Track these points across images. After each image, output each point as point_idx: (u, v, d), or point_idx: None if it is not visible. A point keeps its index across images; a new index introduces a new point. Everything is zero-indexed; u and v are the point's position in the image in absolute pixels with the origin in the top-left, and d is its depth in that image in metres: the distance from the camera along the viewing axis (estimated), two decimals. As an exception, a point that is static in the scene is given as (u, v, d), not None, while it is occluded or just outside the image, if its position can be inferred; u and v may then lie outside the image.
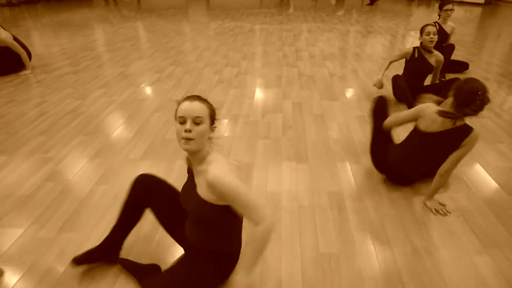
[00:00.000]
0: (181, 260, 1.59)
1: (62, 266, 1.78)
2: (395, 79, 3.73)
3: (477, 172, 2.56)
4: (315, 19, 8.91)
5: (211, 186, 1.32)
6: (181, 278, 1.50)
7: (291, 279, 1.70)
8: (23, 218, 2.11)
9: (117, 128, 3.23)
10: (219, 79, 4.49)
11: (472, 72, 4.76)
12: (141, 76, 4.62)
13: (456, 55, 5.46)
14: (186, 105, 1.37)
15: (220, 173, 1.32)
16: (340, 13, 9.77)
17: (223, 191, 1.31)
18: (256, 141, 3.00)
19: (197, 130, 1.35)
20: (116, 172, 2.56)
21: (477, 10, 10.45)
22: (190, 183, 1.51)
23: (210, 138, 1.45)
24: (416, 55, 3.61)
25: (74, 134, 3.12)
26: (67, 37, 6.88)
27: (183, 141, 1.36)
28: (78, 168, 2.61)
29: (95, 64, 5.12)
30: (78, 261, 1.67)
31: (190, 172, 1.54)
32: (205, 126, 1.37)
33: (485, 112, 3.55)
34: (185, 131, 1.34)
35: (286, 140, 3.00)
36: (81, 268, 1.76)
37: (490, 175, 2.52)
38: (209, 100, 1.65)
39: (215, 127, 1.45)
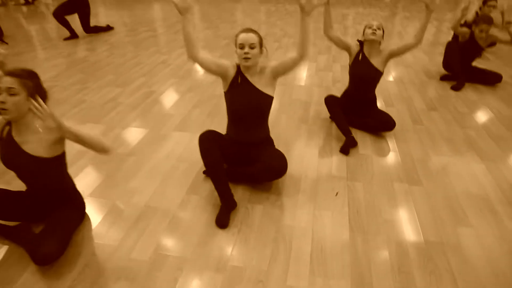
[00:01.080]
0: None
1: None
2: (450, 47, 4.10)
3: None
4: (363, 3, 9.68)
5: (275, 69, 2.14)
6: None
7: None
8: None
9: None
10: (278, 46, 5.54)
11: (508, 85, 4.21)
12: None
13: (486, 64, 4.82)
14: (244, 35, 2.05)
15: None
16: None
17: (280, 69, 2.15)
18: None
19: (252, 52, 2.06)
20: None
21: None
22: (247, 85, 2.17)
23: (260, 56, 2.14)
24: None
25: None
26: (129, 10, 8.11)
27: (243, 60, 2.07)
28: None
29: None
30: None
31: (245, 80, 2.18)
32: (257, 49, 2.08)
33: None
34: (245, 53, 2.05)
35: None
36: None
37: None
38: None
39: (263, 49, 2.16)
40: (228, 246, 1.87)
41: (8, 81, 1.60)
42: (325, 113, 3.32)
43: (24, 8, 8.76)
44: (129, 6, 8.84)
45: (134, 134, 2.94)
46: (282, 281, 1.68)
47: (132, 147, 2.77)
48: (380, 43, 2.82)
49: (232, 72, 2.18)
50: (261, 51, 2.14)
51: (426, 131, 3.09)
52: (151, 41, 5.68)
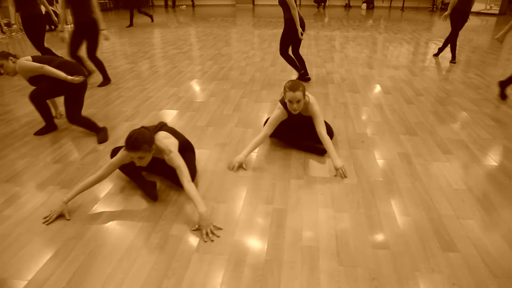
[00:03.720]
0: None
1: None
2: None
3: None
4: (347, 27, 10.40)
5: (310, 111, 2.99)
6: None
7: None
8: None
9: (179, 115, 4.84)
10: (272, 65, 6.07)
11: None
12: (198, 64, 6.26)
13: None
14: (291, 94, 2.80)
15: (315, 107, 3.00)
16: (369, 22, 11.19)
17: (313, 115, 2.99)
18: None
19: (299, 105, 2.86)
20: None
21: (492, 20, 11.65)
22: (298, 115, 3.13)
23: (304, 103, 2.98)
24: None
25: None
26: (129, 38, 8.67)
27: (293, 111, 2.89)
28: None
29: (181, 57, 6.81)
30: None
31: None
32: (302, 101, 2.86)
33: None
34: (293, 107, 2.85)
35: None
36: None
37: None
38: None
39: (307, 96, 2.99)
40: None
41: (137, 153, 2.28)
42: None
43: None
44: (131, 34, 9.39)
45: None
46: None
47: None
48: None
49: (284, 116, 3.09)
50: (305, 99, 2.94)
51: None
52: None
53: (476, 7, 12.83)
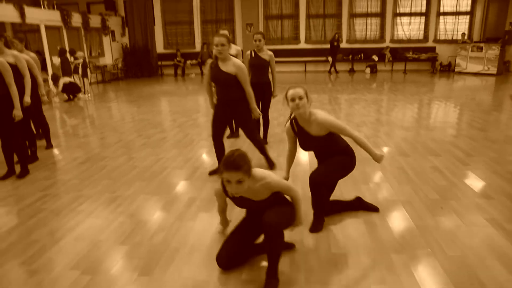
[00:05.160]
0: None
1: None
2: None
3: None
4: (351, 90, 10.68)
5: (322, 124, 2.77)
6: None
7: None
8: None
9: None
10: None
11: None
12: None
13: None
14: (293, 91, 2.70)
15: (324, 116, 2.82)
16: (373, 85, 11.50)
17: (329, 125, 2.78)
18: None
19: (302, 102, 2.73)
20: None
21: (492, 79, 11.97)
22: (305, 134, 2.90)
23: (309, 105, 2.81)
24: None
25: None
26: (137, 107, 8.87)
27: (296, 110, 2.74)
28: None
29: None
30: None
31: (300, 130, 2.93)
32: (305, 100, 2.74)
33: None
34: (296, 104, 2.71)
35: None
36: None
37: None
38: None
39: (310, 99, 2.83)
40: None
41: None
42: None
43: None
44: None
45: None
46: None
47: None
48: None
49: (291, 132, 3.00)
50: (309, 101, 2.82)
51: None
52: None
53: (474, 68, 13.26)
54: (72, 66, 10.25)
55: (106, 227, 3.11)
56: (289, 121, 3.00)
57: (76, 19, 12.56)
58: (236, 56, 5.05)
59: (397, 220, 3.12)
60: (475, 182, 3.83)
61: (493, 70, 12.88)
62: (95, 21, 13.68)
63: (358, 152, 3.07)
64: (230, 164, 2.05)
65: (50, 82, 10.27)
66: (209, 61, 3.91)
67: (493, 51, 12.84)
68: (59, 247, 2.83)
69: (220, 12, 15.35)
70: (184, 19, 15.66)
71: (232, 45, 5.19)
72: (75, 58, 10.51)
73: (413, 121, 6.66)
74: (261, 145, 4.21)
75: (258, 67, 5.04)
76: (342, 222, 3.09)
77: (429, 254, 2.61)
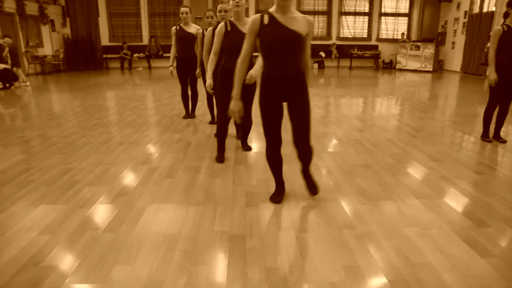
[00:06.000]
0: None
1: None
2: None
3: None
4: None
5: (310, 24, 2.39)
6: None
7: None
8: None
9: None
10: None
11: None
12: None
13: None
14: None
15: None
16: (321, 80, 11.88)
17: (311, 28, 2.43)
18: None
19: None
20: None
21: (429, 76, 12.87)
22: (281, 26, 2.34)
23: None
24: None
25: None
26: (85, 95, 8.47)
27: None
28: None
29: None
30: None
31: (276, 22, 2.35)
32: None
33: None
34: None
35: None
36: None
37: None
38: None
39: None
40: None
41: None
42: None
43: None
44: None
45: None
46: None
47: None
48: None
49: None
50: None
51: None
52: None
53: (413, 65, 14.18)
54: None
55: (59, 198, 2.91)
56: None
57: (10, 4, 11.65)
58: (196, 36, 5.05)
59: (362, 183, 3.23)
60: (425, 149, 4.08)
61: (430, 68, 13.84)
62: (31, 8, 12.78)
63: (315, 128, 3.13)
64: None
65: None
66: (222, 22, 3.51)
67: (429, 50, 13.82)
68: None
69: (168, 5, 15.04)
70: (131, 11, 15.13)
71: (192, 24, 5.13)
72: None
73: (364, 107, 6.96)
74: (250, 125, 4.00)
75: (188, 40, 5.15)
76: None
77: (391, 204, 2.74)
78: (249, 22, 2.41)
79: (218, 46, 3.50)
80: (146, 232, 2.36)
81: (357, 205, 2.73)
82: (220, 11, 3.76)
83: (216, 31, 3.47)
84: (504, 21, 4.10)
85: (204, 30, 4.91)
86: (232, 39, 3.38)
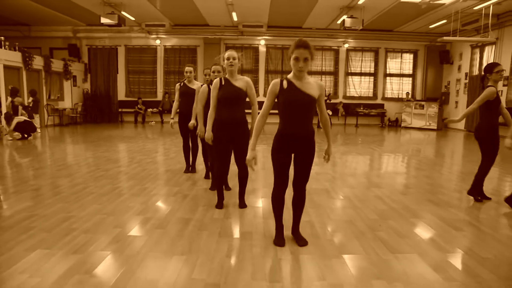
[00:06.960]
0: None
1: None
2: None
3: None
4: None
5: (321, 88, 2.88)
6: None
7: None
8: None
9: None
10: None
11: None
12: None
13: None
14: (299, 50, 2.71)
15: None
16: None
17: (323, 91, 2.90)
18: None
19: (306, 64, 2.77)
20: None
21: (433, 134, 13.10)
22: (297, 90, 2.83)
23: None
24: None
25: (159, 194, 4.79)
26: (96, 147, 8.90)
27: (298, 70, 2.77)
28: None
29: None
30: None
31: (293, 87, 2.83)
32: (309, 61, 2.78)
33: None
34: (299, 66, 2.75)
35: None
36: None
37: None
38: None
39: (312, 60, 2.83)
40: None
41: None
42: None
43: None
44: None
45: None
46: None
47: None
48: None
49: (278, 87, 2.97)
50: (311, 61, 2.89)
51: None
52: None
53: (418, 123, 14.49)
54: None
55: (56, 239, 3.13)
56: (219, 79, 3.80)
57: (38, 62, 12.64)
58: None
59: (341, 237, 3.38)
60: (411, 207, 4.22)
61: (434, 126, 14.12)
62: (57, 65, 13.82)
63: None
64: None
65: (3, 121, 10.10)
66: (219, 77, 3.94)
67: (433, 108, 14.20)
68: None
69: (183, 63, 16.00)
70: (148, 69, 16.15)
71: (195, 81, 5.57)
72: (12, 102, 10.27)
73: (362, 165, 7.15)
74: (246, 173, 4.05)
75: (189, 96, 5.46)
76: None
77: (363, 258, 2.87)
78: (270, 85, 2.91)
79: (215, 100, 3.88)
80: (128, 277, 2.54)
81: (332, 259, 2.87)
82: (213, 72, 4.41)
83: (212, 85, 3.90)
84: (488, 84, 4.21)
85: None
86: (226, 92, 3.80)
